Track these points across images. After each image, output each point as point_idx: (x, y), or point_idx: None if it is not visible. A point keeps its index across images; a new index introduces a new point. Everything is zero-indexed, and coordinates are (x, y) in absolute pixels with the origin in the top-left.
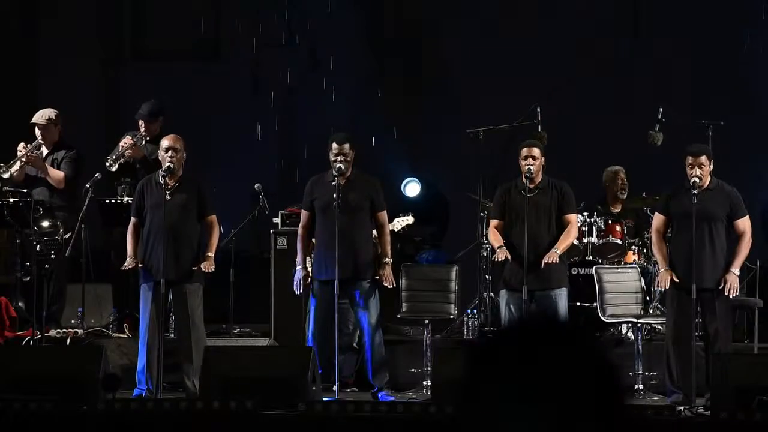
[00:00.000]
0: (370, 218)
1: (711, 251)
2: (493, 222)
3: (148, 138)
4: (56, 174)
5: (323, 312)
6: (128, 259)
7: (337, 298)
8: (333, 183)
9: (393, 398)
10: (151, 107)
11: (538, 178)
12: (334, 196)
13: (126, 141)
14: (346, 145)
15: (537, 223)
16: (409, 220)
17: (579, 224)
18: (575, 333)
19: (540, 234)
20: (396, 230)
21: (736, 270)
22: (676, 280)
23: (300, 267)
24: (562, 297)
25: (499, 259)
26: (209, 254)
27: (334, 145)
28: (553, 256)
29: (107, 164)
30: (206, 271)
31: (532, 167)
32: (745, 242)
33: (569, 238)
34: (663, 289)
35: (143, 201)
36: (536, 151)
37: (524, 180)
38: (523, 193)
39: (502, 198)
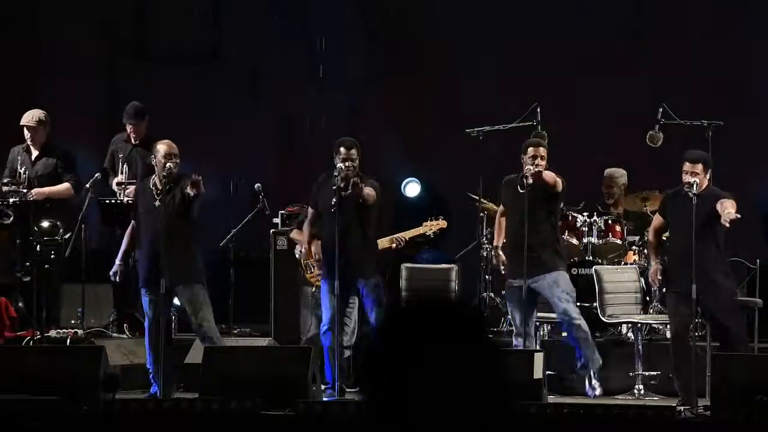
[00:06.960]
0: (371, 219)
1: (708, 253)
2: (500, 208)
3: (136, 141)
4: (63, 189)
5: (330, 312)
6: (116, 263)
7: (337, 299)
8: (334, 187)
9: None
10: (137, 109)
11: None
12: (333, 201)
13: (130, 191)
14: (353, 150)
15: (531, 219)
16: (442, 223)
17: (579, 224)
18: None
19: (534, 229)
20: (426, 234)
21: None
22: (661, 279)
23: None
24: (558, 279)
25: (494, 262)
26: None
27: (342, 149)
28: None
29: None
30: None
31: (539, 168)
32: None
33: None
34: (656, 288)
35: (138, 205)
36: (543, 151)
37: (524, 179)
38: (521, 191)
39: (505, 190)
